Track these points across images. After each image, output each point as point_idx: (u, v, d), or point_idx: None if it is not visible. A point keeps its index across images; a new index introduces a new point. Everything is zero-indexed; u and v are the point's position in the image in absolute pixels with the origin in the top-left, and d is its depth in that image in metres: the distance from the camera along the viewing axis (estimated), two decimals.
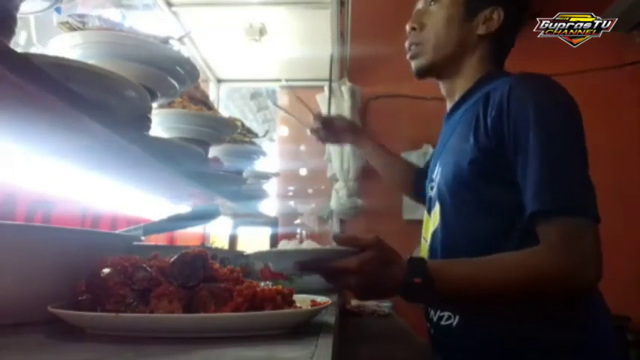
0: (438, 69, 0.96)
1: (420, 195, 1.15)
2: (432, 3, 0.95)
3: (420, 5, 0.98)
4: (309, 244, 0.71)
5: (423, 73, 0.97)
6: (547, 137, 0.73)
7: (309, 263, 0.67)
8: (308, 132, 1.31)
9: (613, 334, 0.80)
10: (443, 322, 0.84)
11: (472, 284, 0.70)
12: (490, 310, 0.78)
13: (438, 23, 0.93)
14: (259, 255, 0.75)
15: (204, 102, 1.05)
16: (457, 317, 0.82)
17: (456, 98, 0.96)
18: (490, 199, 0.80)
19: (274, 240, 2.03)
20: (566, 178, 0.72)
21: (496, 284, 0.70)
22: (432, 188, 0.95)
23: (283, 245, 0.72)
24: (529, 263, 0.70)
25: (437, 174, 0.92)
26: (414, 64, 0.97)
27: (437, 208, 0.89)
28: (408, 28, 0.97)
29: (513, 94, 0.78)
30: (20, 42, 0.84)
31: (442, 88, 1.00)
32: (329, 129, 1.26)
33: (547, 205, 0.70)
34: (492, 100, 0.81)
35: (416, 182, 1.19)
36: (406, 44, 0.98)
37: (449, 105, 0.99)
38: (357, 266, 0.66)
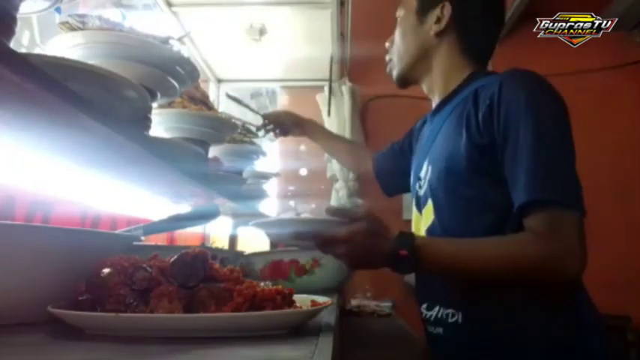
0: (410, 76, 1.02)
1: (380, 179, 1.27)
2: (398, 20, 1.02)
3: None
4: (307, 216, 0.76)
5: (400, 83, 1.04)
6: (539, 127, 0.74)
7: (303, 233, 0.73)
8: (260, 133, 1.41)
9: (607, 340, 0.81)
10: (452, 319, 0.84)
11: (455, 262, 0.74)
12: (491, 306, 0.79)
13: (398, 37, 1.02)
14: (259, 224, 0.79)
15: (204, 102, 1.05)
16: (460, 313, 0.82)
17: (437, 95, 0.99)
18: (486, 196, 0.81)
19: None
20: (557, 169, 0.74)
21: (478, 266, 0.74)
22: (420, 187, 0.96)
23: (284, 215, 0.77)
24: (512, 249, 0.73)
25: (426, 172, 0.93)
26: (393, 77, 1.05)
27: (430, 205, 0.90)
28: (386, 45, 1.06)
29: (505, 87, 0.79)
30: (24, 42, 0.84)
31: (423, 88, 1.04)
32: (276, 124, 1.36)
33: (537, 196, 0.71)
34: (483, 96, 0.82)
35: (375, 169, 1.28)
36: (386, 58, 1.07)
37: (433, 103, 1.02)
38: (345, 236, 0.71)
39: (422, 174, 0.95)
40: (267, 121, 1.36)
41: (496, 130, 0.78)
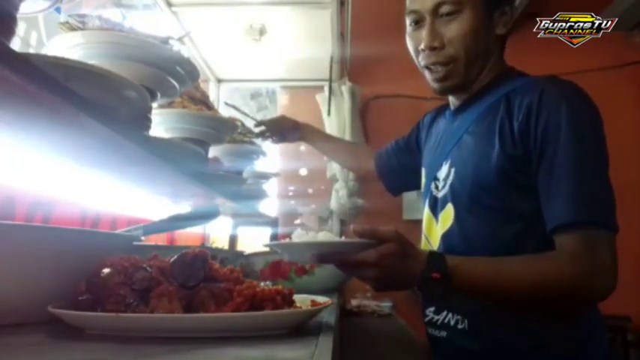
0: (468, 85, 0.89)
1: (383, 177, 1.22)
2: (446, 15, 0.83)
3: (427, 19, 0.85)
4: (325, 236, 0.71)
5: (451, 92, 0.92)
6: (578, 144, 0.73)
7: (327, 255, 0.67)
8: (257, 140, 1.40)
9: (608, 349, 0.82)
10: (459, 326, 0.83)
11: (488, 282, 0.71)
12: (498, 315, 0.79)
13: (466, 37, 0.83)
14: (276, 246, 0.75)
15: (204, 102, 1.05)
16: (466, 321, 0.82)
17: (463, 94, 0.92)
18: (513, 207, 0.79)
19: (274, 240, 2.02)
20: (594, 189, 0.73)
21: (512, 285, 0.71)
22: (437, 187, 0.92)
23: (299, 236, 0.71)
24: (547, 268, 0.71)
25: (448, 174, 0.89)
26: (441, 86, 0.88)
27: (449, 210, 0.87)
28: (423, 46, 0.85)
29: (545, 97, 0.76)
30: (32, 42, 0.84)
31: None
32: (274, 131, 1.36)
33: (576, 217, 0.70)
34: (518, 104, 0.79)
35: (378, 166, 1.23)
36: (425, 63, 0.87)
37: (455, 100, 0.94)
38: (376, 259, 0.66)
39: (441, 175, 0.91)
40: (264, 128, 1.36)
41: (532, 141, 0.76)
